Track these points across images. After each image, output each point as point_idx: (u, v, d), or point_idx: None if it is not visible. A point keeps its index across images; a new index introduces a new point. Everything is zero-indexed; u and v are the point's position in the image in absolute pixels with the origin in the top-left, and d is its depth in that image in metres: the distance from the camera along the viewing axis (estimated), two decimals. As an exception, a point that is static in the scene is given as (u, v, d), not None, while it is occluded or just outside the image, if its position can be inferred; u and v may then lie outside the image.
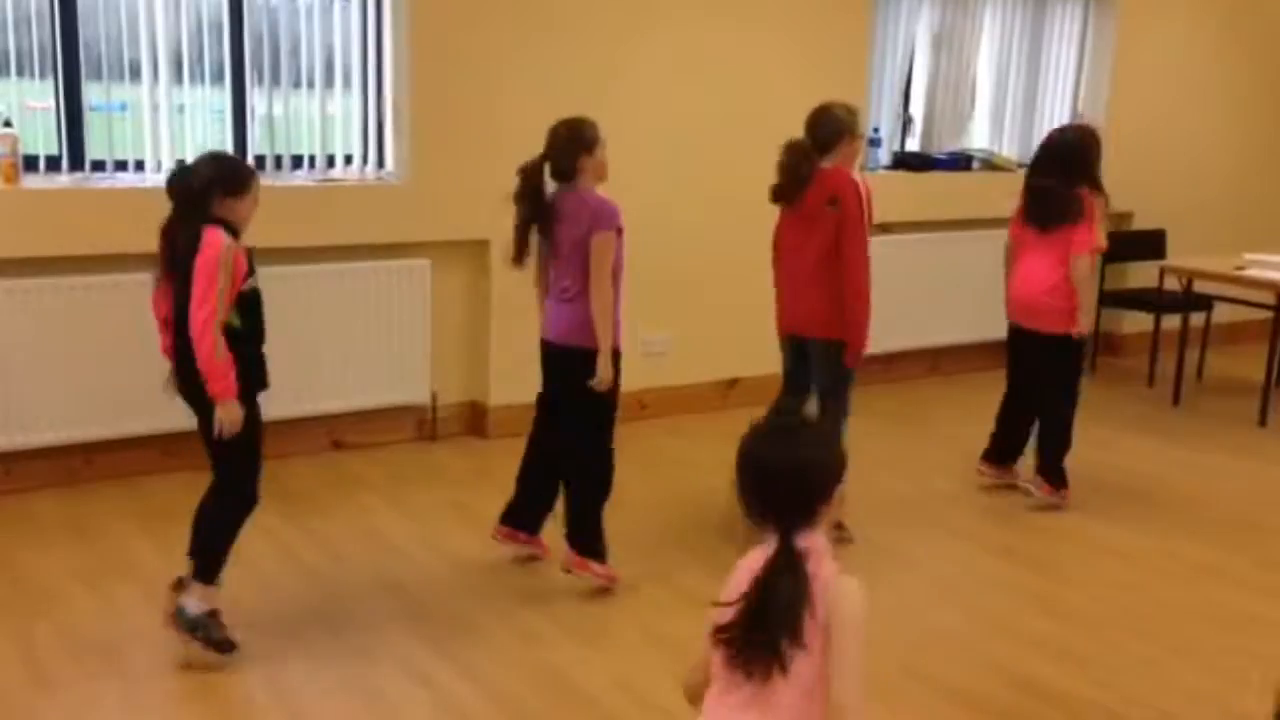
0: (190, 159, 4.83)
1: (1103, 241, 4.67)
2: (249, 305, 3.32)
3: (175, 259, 3.28)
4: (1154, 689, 3.46)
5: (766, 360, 6.07)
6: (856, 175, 4.27)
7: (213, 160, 3.41)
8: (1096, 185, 4.65)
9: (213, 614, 3.40)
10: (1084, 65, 7.13)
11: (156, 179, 4.81)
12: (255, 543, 4.23)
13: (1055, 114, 7.16)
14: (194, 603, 3.37)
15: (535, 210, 3.82)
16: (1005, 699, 3.39)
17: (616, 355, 3.84)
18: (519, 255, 3.88)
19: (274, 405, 4.82)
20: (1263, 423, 6.04)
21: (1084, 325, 4.68)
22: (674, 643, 3.60)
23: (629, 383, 5.59)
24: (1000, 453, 4.92)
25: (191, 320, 3.19)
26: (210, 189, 3.26)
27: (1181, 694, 3.44)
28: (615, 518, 4.01)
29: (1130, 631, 3.83)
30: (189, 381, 3.34)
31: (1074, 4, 7.03)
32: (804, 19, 5.91)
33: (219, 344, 3.20)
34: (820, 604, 1.95)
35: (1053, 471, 4.79)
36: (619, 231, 3.78)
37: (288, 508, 4.50)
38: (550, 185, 3.86)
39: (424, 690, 3.31)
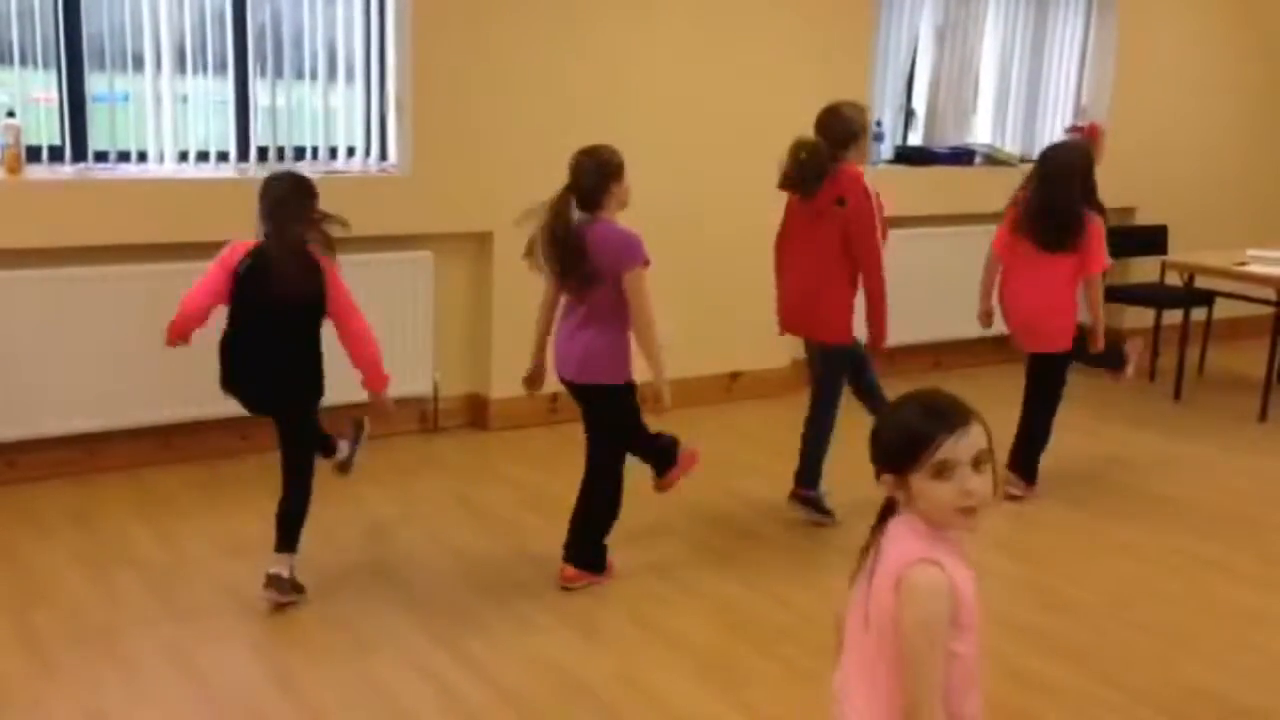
0: (192, 150, 4.90)
1: (1108, 261, 4.77)
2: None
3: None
4: (1155, 683, 3.47)
5: (770, 354, 6.10)
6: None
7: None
8: (1098, 205, 4.73)
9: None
10: (1087, 59, 7.13)
11: (159, 170, 4.82)
12: (258, 533, 4.25)
13: (1058, 108, 7.16)
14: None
15: (565, 246, 3.71)
16: (1006, 693, 3.39)
17: (631, 387, 3.84)
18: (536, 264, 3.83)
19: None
20: (1263, 418, 6.04)
21: (1099, 344, 4.81)
22: (673, 635, 3.61)
23: (634, 376, 5.62)
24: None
25: (360, 322, 3.71)
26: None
27: (1183, 688, 3.45)
28: (626, 509, 4.01)
29: (1131, 626, 3.83)
30: (283, 383, 3.65)
31: (1077, -2, 7.03)
32: (808, 12, 5.91)
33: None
34: (885, 589, 1.85)
35: (1030, 468, 4.93)
36: (646, 264, 3.73)
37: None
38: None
39: (424, 680, 3.32)
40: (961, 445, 1.82)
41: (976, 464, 1.83)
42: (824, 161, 4.23)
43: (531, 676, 3.37)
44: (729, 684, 3.33)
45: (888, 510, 1.93)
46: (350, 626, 3.58)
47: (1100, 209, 4.73)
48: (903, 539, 1.88)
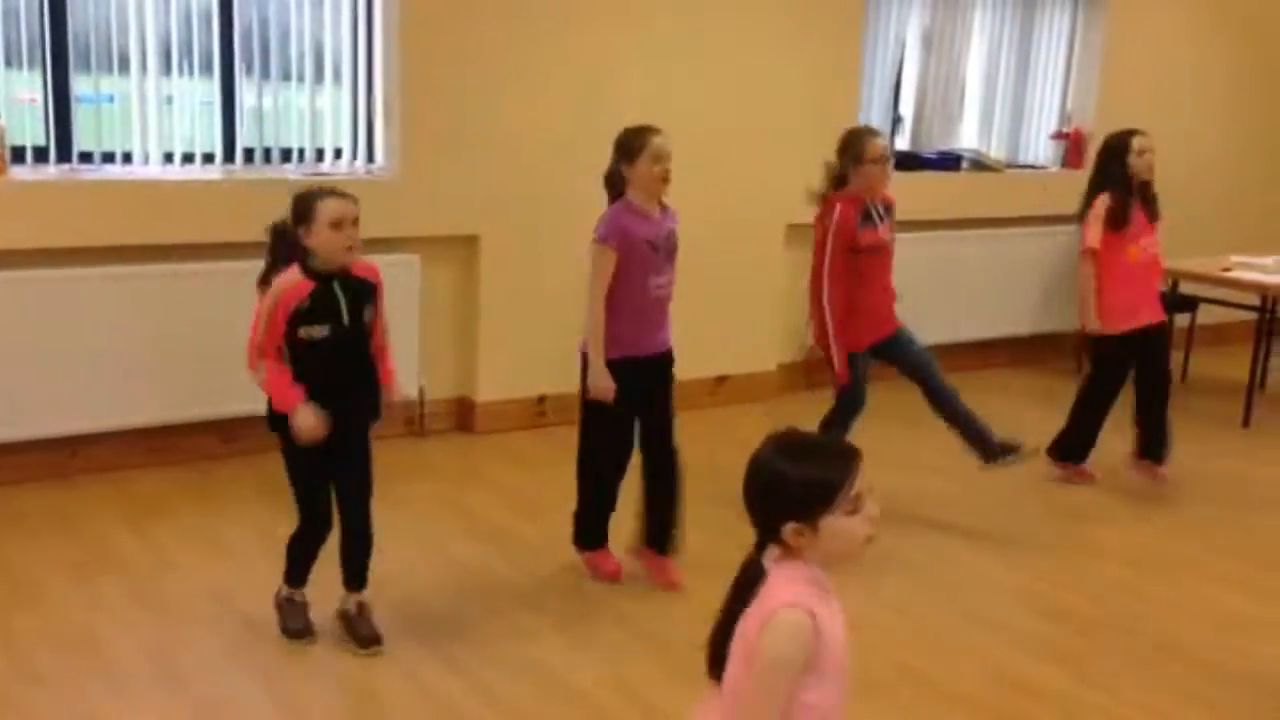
0: (178, 151, 4.87)
1: (1091, 241, 4.85)
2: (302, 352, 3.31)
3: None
4: (1146, 688, 3.47)
5: (755, 358, 6.11)
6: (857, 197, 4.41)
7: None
8: (1106, 186, 4.86)
9: (288, 599, 3.57)
10: (1072, 66, 7.16)
11: (145, 171, 4.79)
12: (242, 536, 4.23)
13: (1043, 115, 7.19)
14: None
15: None
16: (998, 699, 3.40)
17: (611, 366, 3.79)
18: None
19: (264, 399, 4.83)
20: (1246, 423, 6.07)
21: (1084, 321, 4.95)
22: (660, 640, 3.60)
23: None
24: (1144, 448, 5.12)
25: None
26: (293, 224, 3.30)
27: (1173, 693, 3.46)
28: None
29: (1121, 630, 3.84)
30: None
31: (1063, 4, 7.05)
32: (797, 18, 5.91)
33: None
34: (754, 629, 1.86)
35: (1059, 449, 5.12)
36: (601, 240, 3.74)
37: (276, 502, 4.47)
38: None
39: (413, 685, 3.30)
40: (864, 478, 1.88)
41: (871, 493, 1.90)
42: (827, 182, 4.44)
43: (521, 681, 3.36)
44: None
45: (754, 565, 1.93)
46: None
47: (1111, 190, 4.84)
48: (784, 585, 1.88)
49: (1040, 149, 7.22)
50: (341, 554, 3.53)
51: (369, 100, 5.18)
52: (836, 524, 1.85)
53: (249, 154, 4.98)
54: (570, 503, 3.98)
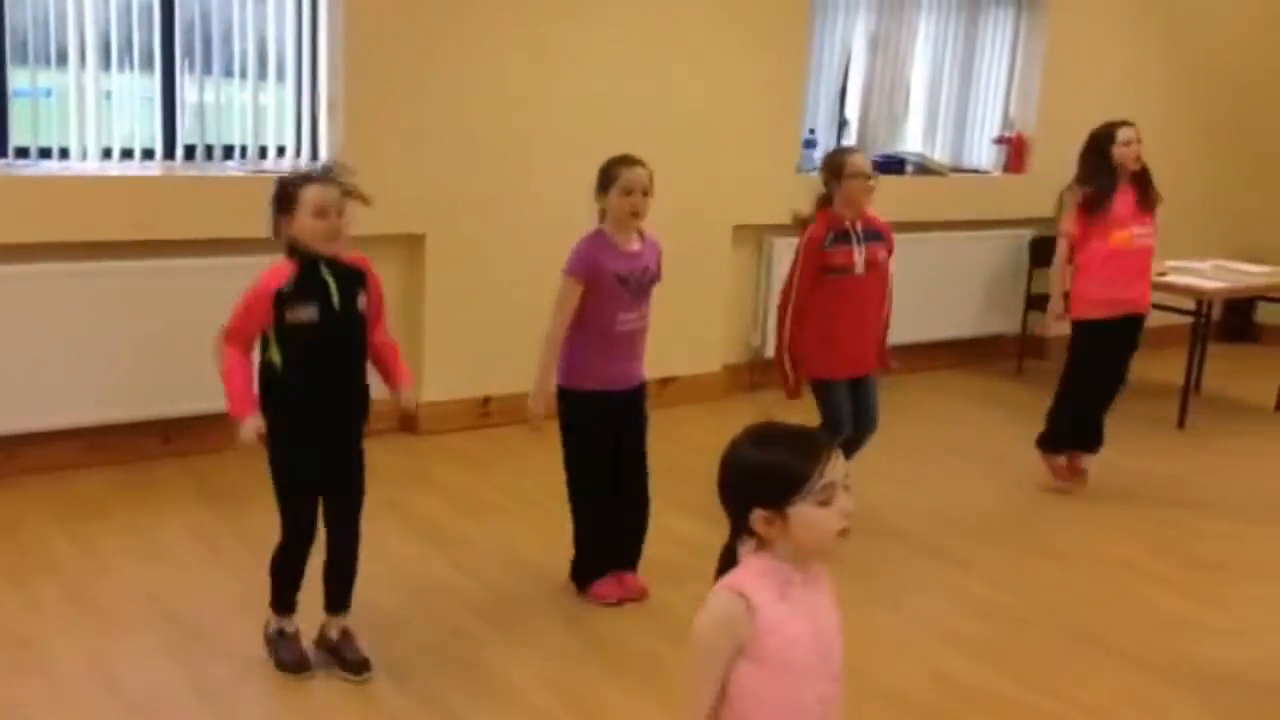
0: (116, 147, 4.79)
1: (1067, 227, 5.03)
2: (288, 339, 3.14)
3: None
4: (1079, 686, 3.53)
5: (701, 359, 6.13)
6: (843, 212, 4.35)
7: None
8: (1088, 176, 4.98)
9: (279, 632, 3.36)
10: (1015, 71, 7.25)
11: (83, 167, 4.72)
12: (180, 538, 4.18)
13: (987, 119, 7.28)
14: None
15: None
16: (934, 699, 3.44)
17: (577, 397, 3.76)
18: None
19: (203, 397, 4.77)
20: (1181, 425, 6.19)
21: (1057, 309, 5.11)
22: (605, 643, 3.60)
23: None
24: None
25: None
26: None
27: (1107, 691, 3.52)
28: (556, 512, 4.00)
29: (1056, 630, 3.90)
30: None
31: (1006, 9, 7.14)
32: (743, 22, 5.94)
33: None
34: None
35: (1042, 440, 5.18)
36: (568, 272, 3.70)
37: (218, 504, 4.44)
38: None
39: (348, 685, 3.28)
40: (837, 468, 1.85)
41: (846, 484, 1.87)
42: (814, 206, 4.41)
43: (460, 684, 3.34)
44: (668, 693, 3.32)
45: (728, 554, 1.92)
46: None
47: (1087, 181, 4.96)
48: (738, 572, 1.88)
49: (983, 153, 7.30)
50: (326, 572, 3.35)
51: (313, 97, 5.13)
52: (806, 514, 1.82)
53: (190, 151, 4.92)
54: (512, 504, 3.97)
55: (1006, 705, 3.42)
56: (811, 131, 6.51)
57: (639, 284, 3.78)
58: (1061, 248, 5.06)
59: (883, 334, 4.55)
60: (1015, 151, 7.22)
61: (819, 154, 6.56)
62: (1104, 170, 4.94)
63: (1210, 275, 6.39)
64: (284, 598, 3.34)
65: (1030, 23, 7.17)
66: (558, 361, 3.76)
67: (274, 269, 3.13)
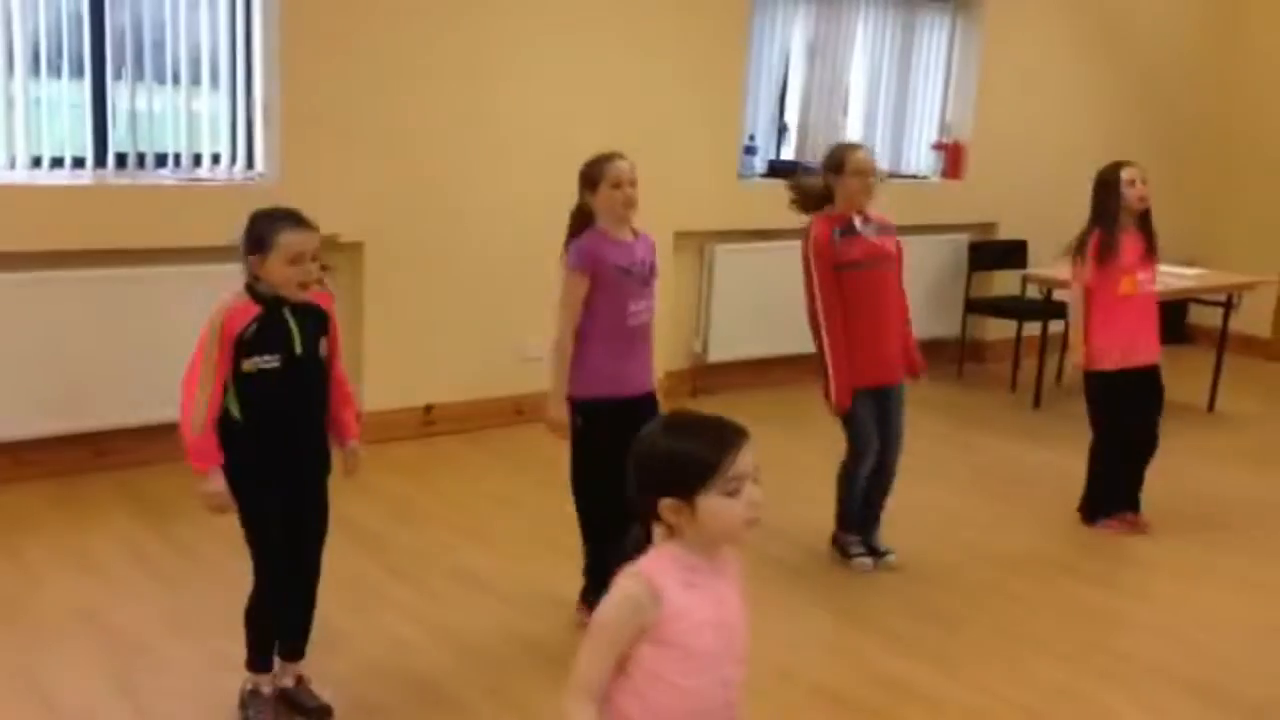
0: (46, 156, 4.71)
1: (1084, 278, 4.72)
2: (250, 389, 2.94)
3: None
4: (1014, 684, 3.57)
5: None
6: (845, 214, 4.18)
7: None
8: (1101, 221, 4.71)
9: (254, 693, 3.16)
10: (951, 76, 7.34)
11: (11, 176, 4.63)
12: (111, 552, 4.12)
13: (924, 125, 7.36)
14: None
15: None
16: (872, 698, 3.46)
17: (590, 406, 3.64)
18: None
19: (135, 410, 4.71)
20: (1117, 426, 6.28)
21: (1075, 358, 4.77)
22: (547, 649, 3.59)
23: (509, 388, 5.60)
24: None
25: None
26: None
27: (1040, 688, 3.56)
28: (498, 520, 3.98)
29: (990, 629, 3.95)
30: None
31: (941, 15, 7.23)
32: (682, 27, 5.96)
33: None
34: None
35: (1086, 508, 4.91)
36: (571, 269, 3.64)
37: (148, 514, 4.38)
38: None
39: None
40: (746, 460, 1.86)
41: (755, 477, 1.88)
42: (804, 192, 4.26)
43: (397, 693, 3.32)
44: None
45: (639, 542, 1.95)
46: (205, 646, 3.47)
47: (1104, 227, 4.68)
48: (644, 558, 1.91)
49: (921, 159, 7.39)
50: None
51: (248, 103, 5.08)
52: (714, 504, 1.84)
53: (121, 159, 4.85)
54: (454, 513, 3.95)
55: (939, 702, 3.45)
56: (751, 138, 6.54)
57: (641, 274, 3.71)
58: (1077, 294, 4.75)
59: (908, 333, 4.36)
60: (952, 157, 7.31)
61: (759, 160, 6.63)
62: (1114, 213, 4.68)
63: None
64: (263, 655, 3.14)
65: (965, 29, 7.26)
66: (584, 369, 3.65)
67: (233, 310, 2.92)
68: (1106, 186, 4.76)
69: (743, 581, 2.01)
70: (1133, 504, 4.87)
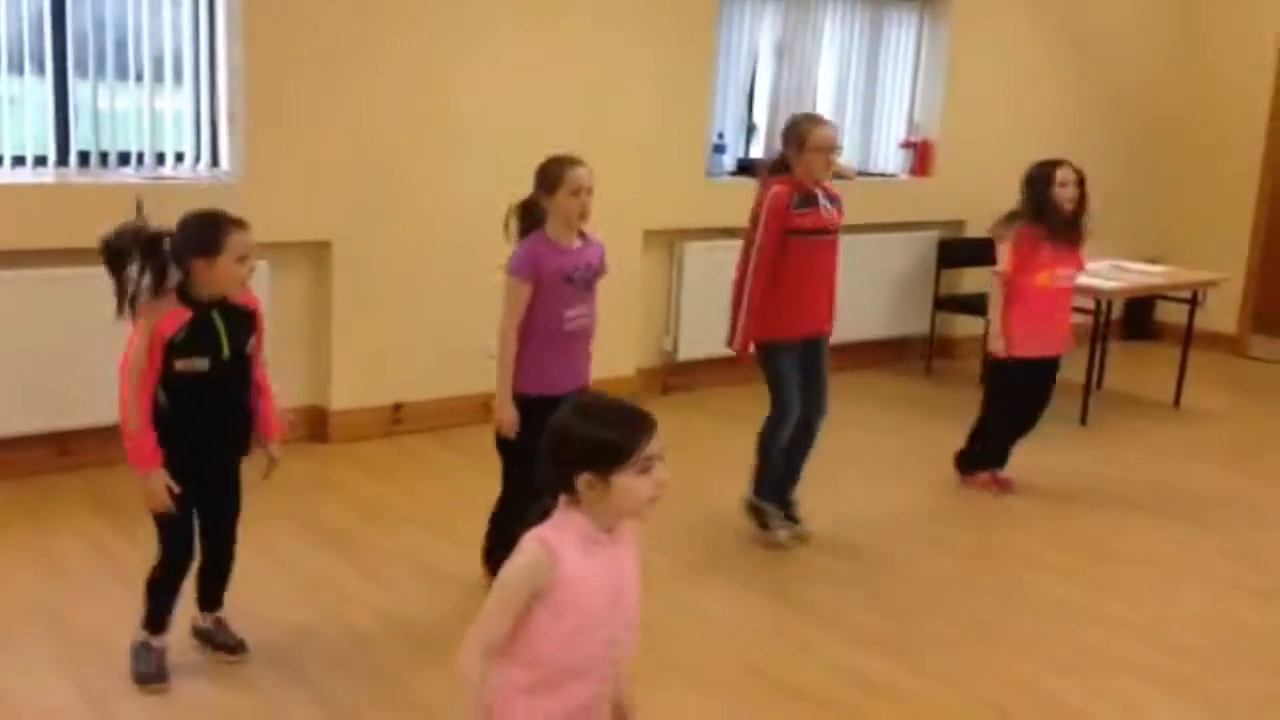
0: (7, 154, 4.67)
1: (1004, 266, 4.98)
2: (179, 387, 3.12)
3: None
4: (976, 676, 3.59)
5: (614, 363, 6.12)
6: (801, 184, 4.23)
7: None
8: (1030, 216, 4.96)
9: (144, 644, 3.31)
10: (919, 75, 7.37)
11: (-30, 174, 4.59)
12: (75, 552, 4.09)
13: (892, 123, 7.39)
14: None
15: None
16: (834, 692, 3.47)
17: (526, 401, 3.68)
18: None
19: (98, 410, 4.66)
20: (1084, 421, 6.33)
21: (995, 345, 4.99)
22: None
23: (477, 386, 5.57)
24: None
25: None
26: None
27: (1002, 680, 3.58)
28: (456, 517, 3.98)
29: (952, 622, 3.96)
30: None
31: (909, 15, 7.26)
32: (649, 27, 5.96)
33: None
34: None
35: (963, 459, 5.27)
36: (529, 278, 3.65)
37: (114, 516, 4.33)
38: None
39: (254, 699, 3.23)
40: (657, 443, 2.05)
41: (661, 457, 2.06)
42: (768, 167, 4.37)
43: (365, 693, 3.31)
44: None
45: (541, 507, 2.12)
46: (172, 647, 3.44)
47: (1036, 220, 4.92)
48: (546, 526, 2.08)
49: (890, 157, 7.41)
50: (200, 579, 3.39)
51: (212, 102, 5.04)
52: (627, 482, 2.02)
53: (84, 157, 4.81)
54: (423, 511, 3.94)
55: (906, 696, 3.47)
56: (720, 136, 6.55)
57: (584, 279, 3.76)
58: (997, 284, 4.99)
59: (834, 296, 4.48)
60: (921, 155, 7.34)
61: (728, 159, 6.65)
62: (1044, 211, 4.91)
63: (1107, 275, 6.55)
64: (159, 617, 3.29)
65: (932, 27, 7.29)
66: (529, 368, 3.70)
67: (167, 315, 3.07)
68: (1036, 184, 4.99)
69: (640, 551, 2.18)
70: (1001, 461, 5.24)
